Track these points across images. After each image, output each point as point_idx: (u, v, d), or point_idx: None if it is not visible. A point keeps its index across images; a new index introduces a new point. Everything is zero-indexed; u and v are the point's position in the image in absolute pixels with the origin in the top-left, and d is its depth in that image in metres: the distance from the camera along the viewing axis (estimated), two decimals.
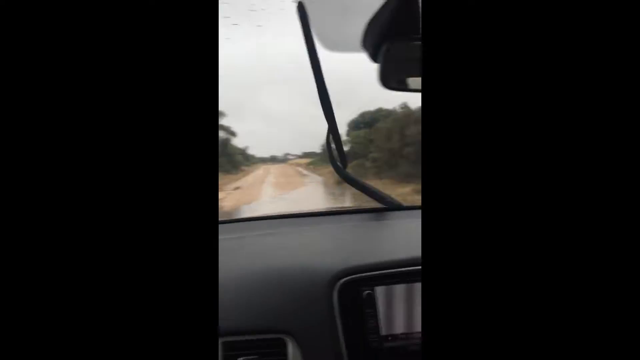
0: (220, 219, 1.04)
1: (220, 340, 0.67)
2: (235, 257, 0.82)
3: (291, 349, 0.67)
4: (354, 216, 1.06)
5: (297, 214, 1.09)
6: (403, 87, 0.68)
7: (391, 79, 0.65)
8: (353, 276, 0.70)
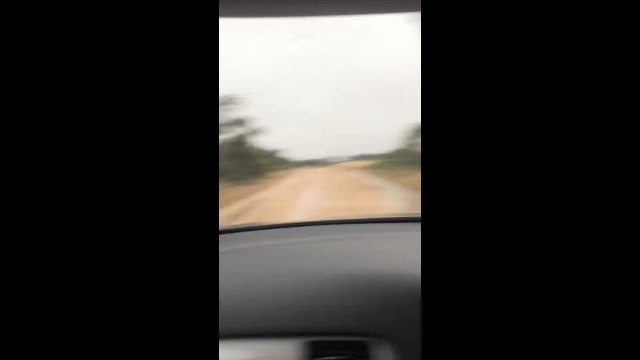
0: (297, 221, 1.14)
1: (310, 340, 0.67)
2: (322, 259, 0.83)
3: (382, 352, 0.66)
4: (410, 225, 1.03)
5: (377, 219, 1.11)
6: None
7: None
8: None
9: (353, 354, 0.66)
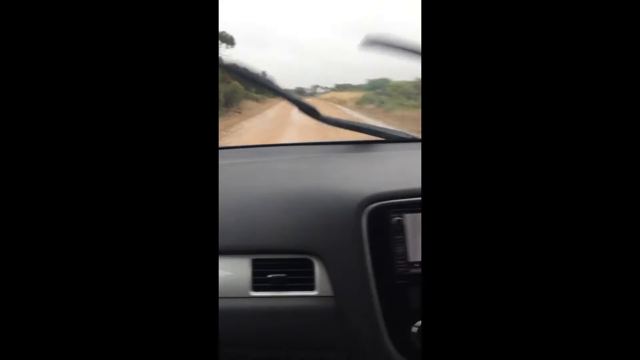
0: (245, 144, 1.31)
1: (250, 258, 0.69)
2: (264, 178, 0.84)
3: (318, 269, 0.68)
4: (382, 145, 1.02)
5: (324, 142, 1.12)
6: None
7: None
8: (383, 202, 0.68)
9: (289, 272, 0.69)
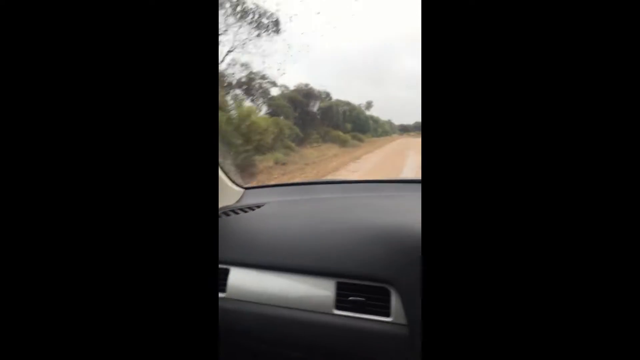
0: (332, 179, 1.59)
1: (335, 280, 0.79)
2: (355, 212, 0.97)
3: (394, 298, 0.75)
4: None
5: (403, 180, 1.25)
6: None
7: None
8: None
9: (368, 297, 0.76)
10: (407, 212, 0.91)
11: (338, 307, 0.78)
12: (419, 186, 1.12)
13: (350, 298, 0.77)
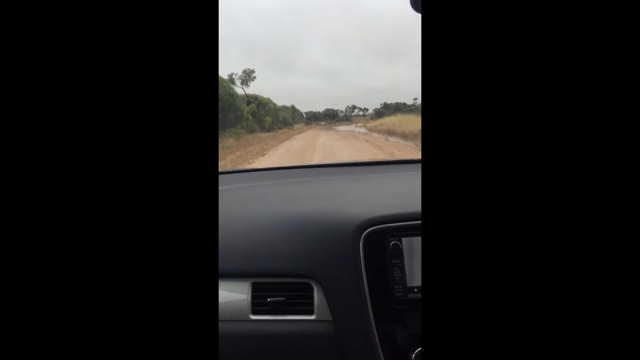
0: (249, 168, 1.46)
1: (250, 281, 0.70)
2: (266, 202, 0.87)
3: (317, 294, 0.68)
4: (380, 167, 1.06)
5: (326, 164, 1.15)
6: None
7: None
8: (379, 226, 0.68)
9: (289, 295, 0.69)
10: (324, 199, 0.85)
11: (255, 312, 0.69)
12: (335, 170, 1.06)
13: (269, 299, 0.69)
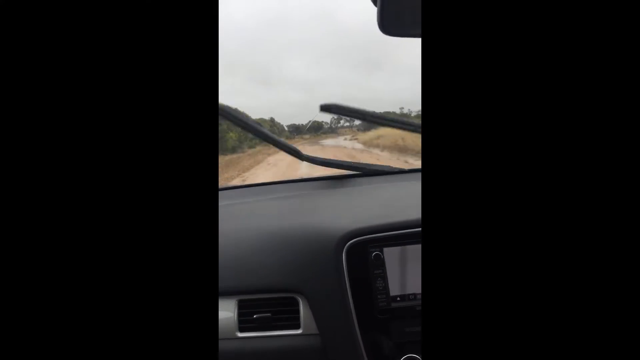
0: (231, 185, 1.20)
1: (235, 298, 0.70)
2: (249, 219, 0.86)
3: (303, 308, 0.69)
4: (361, 179, 1.05)
5: (306, 178, 1.13)
6: (402, 33, 0.57)
7: (390, 25, 0.53)
8: (361, 237, 0.69)
9: (275, 311, 0.70)
10: (308, 213, 0.85)
11: (242, 329, 0.70)
12: (318, 183, 1.07)
13: (255, 316, 0.69)
